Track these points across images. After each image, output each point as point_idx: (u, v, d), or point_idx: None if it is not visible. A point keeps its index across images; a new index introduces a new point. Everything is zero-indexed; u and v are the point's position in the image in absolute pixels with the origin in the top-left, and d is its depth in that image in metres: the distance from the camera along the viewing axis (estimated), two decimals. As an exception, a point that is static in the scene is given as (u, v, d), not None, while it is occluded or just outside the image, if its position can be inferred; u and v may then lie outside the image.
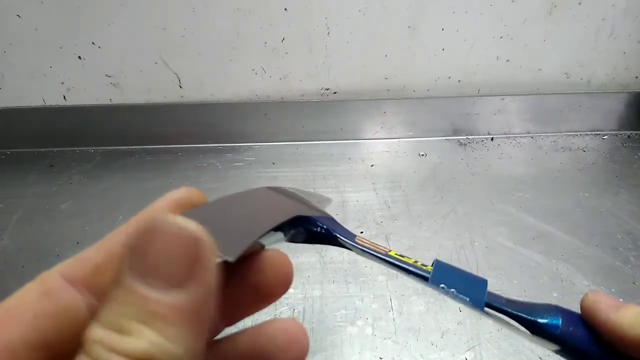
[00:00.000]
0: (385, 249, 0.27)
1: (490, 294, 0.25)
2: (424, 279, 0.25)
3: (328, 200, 0.30)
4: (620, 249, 0.51)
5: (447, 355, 0.41)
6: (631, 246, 0.52)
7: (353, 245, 0.26)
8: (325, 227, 0.26)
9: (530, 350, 0.41)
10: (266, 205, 0.24)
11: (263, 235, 0.19)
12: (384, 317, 0.44)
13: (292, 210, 0.24)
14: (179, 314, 0.10)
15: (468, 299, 0.24)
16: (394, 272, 0.26)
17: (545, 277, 0.48)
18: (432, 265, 0.26)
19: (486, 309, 0.23)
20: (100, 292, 0.14)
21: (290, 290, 0.46)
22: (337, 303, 0.45)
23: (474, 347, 0.41)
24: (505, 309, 0.24)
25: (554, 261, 0.50)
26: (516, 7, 0.62)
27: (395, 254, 0.26)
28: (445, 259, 0.49)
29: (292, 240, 0.24)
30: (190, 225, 0.11)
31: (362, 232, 0.53)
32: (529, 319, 0.23)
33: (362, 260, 0.50)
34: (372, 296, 0.46)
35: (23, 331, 0.12)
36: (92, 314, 0.11)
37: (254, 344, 0.16)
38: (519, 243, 0.52)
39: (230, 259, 0.14)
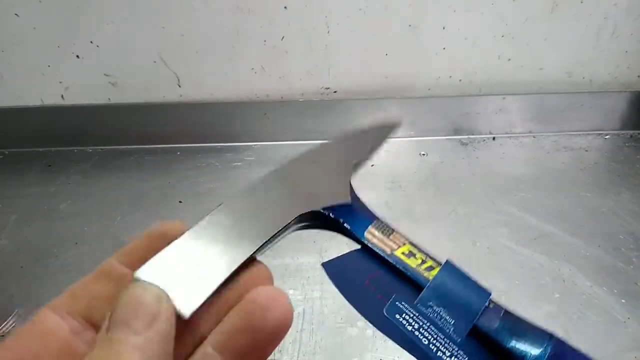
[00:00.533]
0: (393, 246, 0.26)
1: (487, 310, 0.24)
2: (416, 288, 0.24)
3: (393, 126, 0.31)
4: (623, 249, 0.51)
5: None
6: (633, 246, 0.51)
7: (359, 241, 0.26)
8: (333, 217, 0.26)
9: (532, 351, 0.41)
10: (255, 217, 0.24)
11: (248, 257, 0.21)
12: (384, 318, 0.44)
13: (290, 213, 0.24)
14: (139, 353, 0.14)
15: (452, 322, 0.24)
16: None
17: (547, 277, 0.47)
18: (440, 267, 0.26)
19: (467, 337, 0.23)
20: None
21: (290, 291, 0.46)
22: (338, 304, 0.45)
23: (475, 348, 0.41)
24: (490, 337, 0.23)
25: (555, 262, 0.49)
26: (517, 6, 0.62)
27: (402, 254, 0.26)
28: (444, 259, 0.49)
29: (298, 229, 0.25)
30: (152, 290, 0.16)
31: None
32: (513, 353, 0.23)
33: (362, 260, 0.49)
34: (372, 297, 0.46)
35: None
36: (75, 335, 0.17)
37: (238, 310, 0.17)
38: (520, 243, 0.52)
39: (185, 315, 0.16)
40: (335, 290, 0.51)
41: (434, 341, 0.24)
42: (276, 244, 0.23)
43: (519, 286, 0.46)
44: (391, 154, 0.67)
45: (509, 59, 0.67)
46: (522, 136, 0.70)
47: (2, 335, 0.42)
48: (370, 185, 0.61)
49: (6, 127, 0.66)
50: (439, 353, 0.23)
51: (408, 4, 0.61)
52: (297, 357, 0.40)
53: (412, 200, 0.58)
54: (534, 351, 0.23)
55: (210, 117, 0.66)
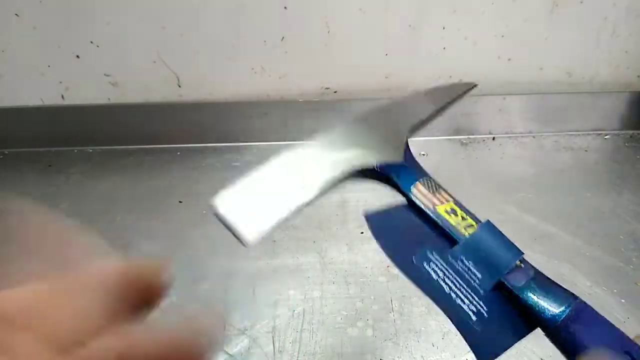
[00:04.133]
0: (436, 202, 0.29)
1: (517, 269, 0.26)
2: (452, 242, 0.27)
3: (467, 86, 0.35)
4: (622, 249, 0.51)
5: (448, 356, 0.40)
6: (633, 247, 0.51)
7: (405, 194, 0.29)
8: (380, 169, 0.30)
9: (532, 351, 0.40)
10: (319, 165, 0.27)
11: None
12: (384, 318, 0.44)
13: (349, 166, 0.27)
14: None
15: (479, 277, 0.26)
16: (394, 272, 0.26)
17: (547, 277, 0.47)
18: (478, 225, 0.28)
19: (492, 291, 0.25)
20: None
21: (290, 291, 0.46)
22: (338, 304, 0.45)
23: (475, 348, 0.41)
24: (514, 293, 0.26)
25: (555, 261, 0.49)
26: (518, 6, 0.62)
27: (444, 211, 0.29)
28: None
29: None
30: None
31: (362, 233, 0.53)
32: (535, 313, 0.25)
33: (362, 260, 0.49)
34: (372, 297, 0.46)
35: None
36: None
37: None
38: (520, 243, 0.51)
39: (248, 242, 0.20)
40: (336, 290, 0.51)
41: (457, 290, 0.26)
42: (334, 188, 0.26)
43: (519, 286, 0.46)
44: (391, 154, 0.67)
45: (509, 59, 0.67)
46: (522, 136, 0.70)
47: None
48: (370, 185, 0.60)
49: (6, 127, 0.66)
50: (458, 301, 0.26)
51: (408, 4, 0.61)
52: (297, 357, 0.40)
53: (412, 200, 0.58)
54: (554, 309, 0.24)
55: (210, 117, 0.66)
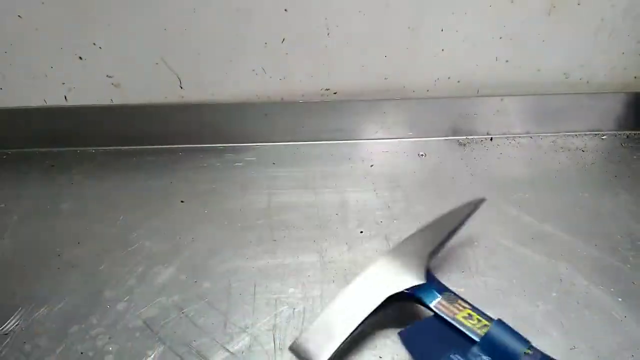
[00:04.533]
0: (455, 312, 0.37)
1: (526, 356, 0.34)
2: (472, 342, 0.34)
3: (479, 202, 0.48)
4: (620, 249, 0.51)
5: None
6: (630, 246, 0.52)
7: (430, 309, 0.38)
8: (409, 293, 0.39)
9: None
10: (364, 296, 0.39)
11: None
12: (383, 316, 0.44)
13: (384, 293, 0.38)
14: None
15: None
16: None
17: (544, 277, 0.48)
18: (491, 325, 0.35)
19: None
20: None
21: (290, 289, 0.47)
22: (337, 302, 0.45)
23: (473, 346, 0.42)
24: None
25: (553, 261, 0.50)
26: (515, 8, 0.62)
27: (462, 317, 0.36)
28: (445, 258, 0.49)
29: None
30: None
31: (361, 232, 0.54)
32: None
33: (362, 259, 0.50)
34: (372, 296, 0.46)
35: None
36: None
37: None
38: (518, 243, 0.52)
39: None
40: (336, 288, 0.52)
41: None
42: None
43: (517, 285, 0.47)
44: (390, 155, 0.67)
45: (507, 61, 0.67)
46: (520, 137, 0.71)
47: (6, 334, 0.42)
48: (370, 186, 0.61)
49: (9, 128, 0.66)
50: None
51: (407, 6, 0.61)
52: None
53: (411, 200, 0.58)
54: None
55: (212, 117, 0.67)
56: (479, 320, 0.36)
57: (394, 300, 0.38)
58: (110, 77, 0.64)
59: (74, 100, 0.65)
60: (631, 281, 0.48)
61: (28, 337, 0.42)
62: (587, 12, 0.64)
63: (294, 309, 0.45)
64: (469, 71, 0.68)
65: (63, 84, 0.64)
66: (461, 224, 0.47)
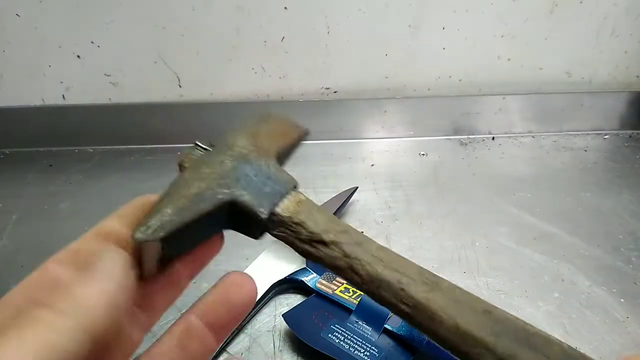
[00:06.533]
0: (334, 287, 0.41)
1: (394, 315, 0.32)
2: (349, 312, 0.39)
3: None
4: (622, 249, 0.51)
5: (448, 355, 0.41)
6: (633, 246, 0.51)
7: (312, 289, 0.42)
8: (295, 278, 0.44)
9: None
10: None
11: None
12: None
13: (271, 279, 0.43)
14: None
15: (369, 329, 0.38)
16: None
17: (546, 277, 0.48)
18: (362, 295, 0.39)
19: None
20: None
21: (290, 289, 0.46)
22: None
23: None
24: (395, 333, 0.37)
25: (555, 261, 0.49)
26: (517, 6, 0.62)
27: (339, 292, 0.41)
28: (445, 259, 0.49)
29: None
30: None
31: (362, 232, 0.53)
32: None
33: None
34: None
35: None
36: None
37: (217, 287, 0.20)
38: (520, 243, 0.52)
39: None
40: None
41: (355, 345, 0.37)
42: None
43: (519, 285, 0.47)
44: (391, 154, 0.67)
45: (509, 59, 0.67)
46: (522, 136, 0.70)
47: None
48: (371, 185, 0.61)
49: (7, 127, 0.66)
50: (356, 352, 0.36)
51: (408, 4, 0.61)
52: (298, 356, 0.40)
53: (412, 200, 0.58)
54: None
55: (211, 117, 0.67)
56: (355, 292, 0.40)
57: (279, 286, 0.43)
58: (108, 75, 0.64)
59: (72, 99, 0.65)
60: (634, 282, 0.47)
61: (25, 338, 0.42)
62: (590, 11, 0.63)
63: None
64: (471, 70, 0.68)
65: (61, 82, 0.64)
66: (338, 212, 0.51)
